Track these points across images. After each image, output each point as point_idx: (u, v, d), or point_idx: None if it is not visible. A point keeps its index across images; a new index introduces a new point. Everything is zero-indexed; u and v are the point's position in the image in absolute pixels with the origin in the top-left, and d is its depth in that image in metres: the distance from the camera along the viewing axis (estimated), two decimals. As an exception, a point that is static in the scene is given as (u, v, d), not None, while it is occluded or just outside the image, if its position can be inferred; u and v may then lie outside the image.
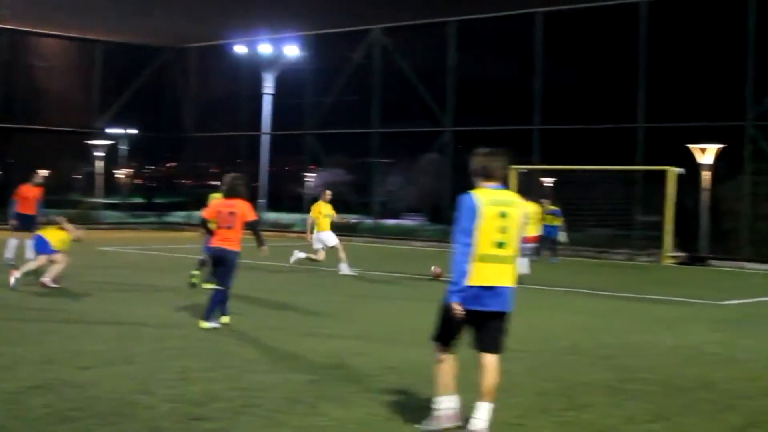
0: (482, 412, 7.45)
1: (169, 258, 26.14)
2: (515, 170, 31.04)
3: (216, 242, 12.89)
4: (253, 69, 40.33)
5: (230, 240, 12.78)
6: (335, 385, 9.34)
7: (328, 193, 22.52)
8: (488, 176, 7.61)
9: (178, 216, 44.38)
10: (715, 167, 29.48)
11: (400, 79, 36.64)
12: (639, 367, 10.80)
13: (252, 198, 18.32)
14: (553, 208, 27.88)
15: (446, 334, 7.65)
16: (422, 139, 37.45)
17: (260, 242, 13.28)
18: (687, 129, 29.98)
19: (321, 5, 33.98)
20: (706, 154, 28.98)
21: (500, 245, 7.45)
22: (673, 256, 27.99)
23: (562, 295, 18.82)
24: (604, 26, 31.78)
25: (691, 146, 29.33)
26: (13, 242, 21.50)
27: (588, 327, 14.02)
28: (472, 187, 7.65)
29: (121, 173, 46.45)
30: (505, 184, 7.70)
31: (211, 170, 50.69)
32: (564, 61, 33.48)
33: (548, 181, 34.92)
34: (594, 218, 32.02)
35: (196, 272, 17.71)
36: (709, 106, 29.31)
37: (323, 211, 22.04)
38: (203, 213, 13.74)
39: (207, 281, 17.24)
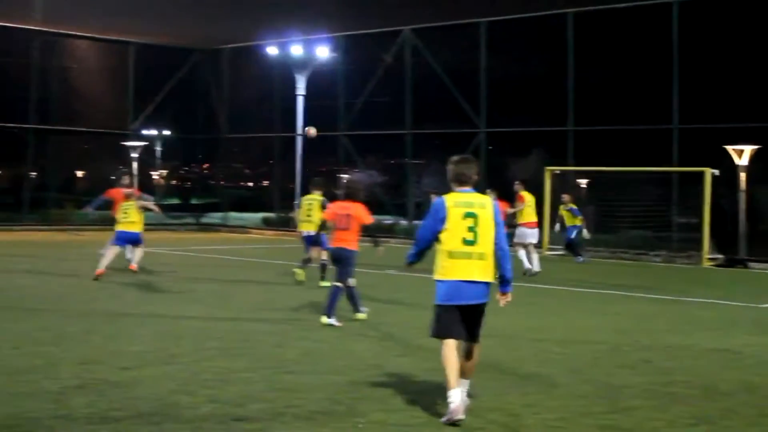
0: (458, 392, 8.00)
1: (207, 259, 26.26)
2: (549, 171, 30.95)
3: (335, 242, 13.92)
4: (286, 70, 40.31)
5: (347, 240, 13.74)
6: (376, 387, 9.33)
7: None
8: (460, 182, 8.42)
9: (214, 217, 44.53)
10: (752, 168, 29.21)
11: (432, 80, 36.58)
12: (679, 370, 10.72)
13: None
14: (571, 206, 27.51)
15: (441, 328, 8.24)
16: (455, 140, 37.31)
17: (375, 242, 14.23)
18: (722, 130, 29.75)
19: (351, 6, 34.02)
20: (743, 155, 28.72)
21: (469, 243, 8.18)
22: (712, 259, 27.73)
23: (600, 297, 18.67)
24: (636, 26, 31.61)
25: (727, 147, 29.08)
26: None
27: (627, 329, 13.93)
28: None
29: (156, 174, 46.65)
30: (476, 188, 8.46)
31: (246, 171, 50.94)
32: (597, 62, 33.30)
33: (583, 182, 34.72)
34: (630, 219, 31.78)
35: (300, 271, 18.87)
36: (744, 107, 29.09)
37: None
38: (323, 215, 15.20)
39: (324, 279, 18.19)
